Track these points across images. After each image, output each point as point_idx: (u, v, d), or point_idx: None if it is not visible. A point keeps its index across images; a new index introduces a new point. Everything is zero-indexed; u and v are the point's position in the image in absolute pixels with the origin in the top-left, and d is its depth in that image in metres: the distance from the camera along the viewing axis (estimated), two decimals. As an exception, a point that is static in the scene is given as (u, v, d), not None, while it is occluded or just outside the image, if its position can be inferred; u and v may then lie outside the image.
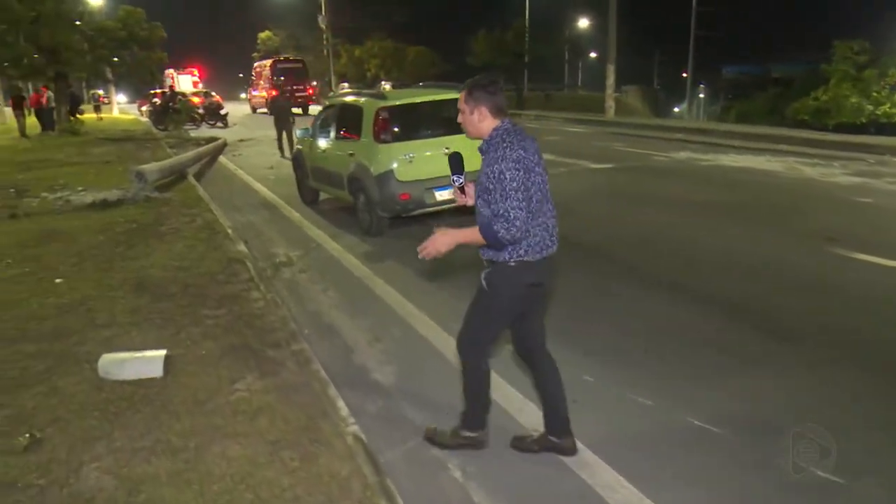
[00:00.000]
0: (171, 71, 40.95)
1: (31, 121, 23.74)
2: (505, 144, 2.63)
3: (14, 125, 23.70)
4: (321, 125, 8.49)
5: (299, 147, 9.37)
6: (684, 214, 7.83)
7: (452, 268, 5.96)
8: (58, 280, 5.29)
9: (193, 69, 45.11)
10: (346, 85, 41.15)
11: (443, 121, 7.38)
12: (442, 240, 2.77)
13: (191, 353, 3.88)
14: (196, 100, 28.71)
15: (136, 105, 44.19)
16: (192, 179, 11.28)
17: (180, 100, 26.05)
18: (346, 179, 7.51)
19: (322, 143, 8.26)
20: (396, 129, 6.93)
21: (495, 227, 2.58)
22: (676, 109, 46.30)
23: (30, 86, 29.14)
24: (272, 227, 7.93)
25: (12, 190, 10.09)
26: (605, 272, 5.70)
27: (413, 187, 6.87)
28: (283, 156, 14.74)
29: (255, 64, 43.04)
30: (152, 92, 33.73)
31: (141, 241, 6.61)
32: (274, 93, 18.25)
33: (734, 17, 43.88)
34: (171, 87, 28.81)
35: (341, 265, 6.25)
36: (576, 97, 45.29)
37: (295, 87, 32.47)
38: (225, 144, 17.69)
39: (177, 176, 11.19)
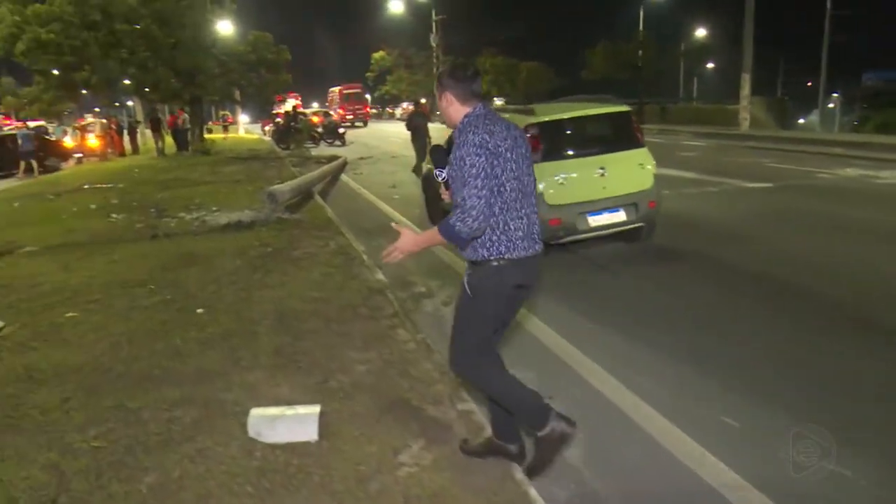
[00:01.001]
0: (283, 95, 43.25)
1: (168, 141, 25.32)
2: (469, 129, 2.45)
3: (153, 146, 25.38)
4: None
5: (430, 166, 8.94)
6: (879, 242, 6.61)
7: (609, 298, 5.18)
8: (199, 310, 5.03)
9: (296, 95, 48.78)
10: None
11: (597, 138, 6.67)
12: (406, 242, 2.57)
13: (345, 408, 3.37)
14: (316, 119, 29.66)
15: (259, 125, 46.58)
16: (319, 199, 11.19)
17: (301, 119, 26.91)
18: (485, 202, 6.94)
19: (457, 162, 7.75)
20: (546, 148, 6.26)
21: (451, 220, 2.38)
22: (801, 121, 42.64)
23: (166, 108, 31.31)
24: (405, 252, 7.49)
25: (153, 210, 10.38)
26: (804, 316, 4.71)
27: (564, 212, 6.17)
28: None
29: (329, 91, 55.44)
30: (275, 112, 35.41)
31: (277, 266, 6.34)
32: (411, 108, 18.24)
33: (872, 20, 40.01)
34: (296, 107, 29.87)
35: (487, 298, 5.64)
36: (694, 109, 42.90)
37: (356, 107, 45.99)
38: (346, 163, 17.81)
39: (304, 195, 11.14)
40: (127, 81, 21.96)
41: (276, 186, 9.38)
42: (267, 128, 36.91)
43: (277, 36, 24.12)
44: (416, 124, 14.42)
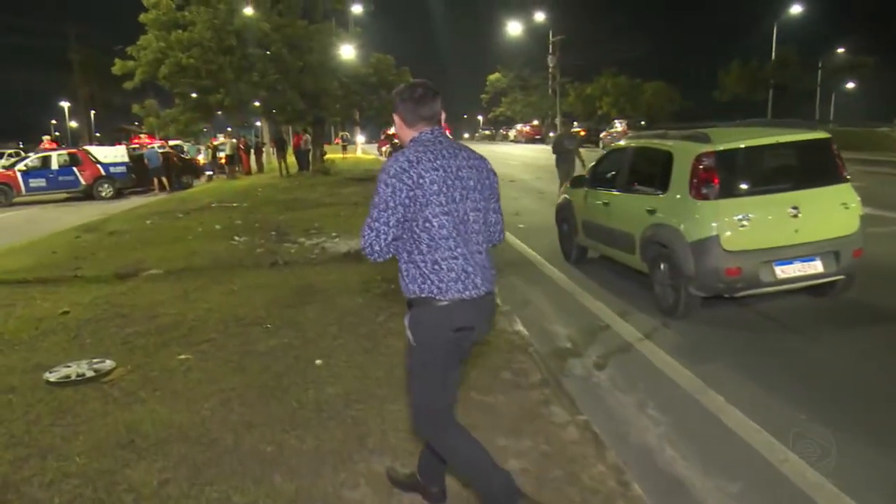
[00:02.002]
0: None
1: (290, 160, 26.06)
2: (397, 155, 2.31)
3: (276, 165, 26.21)
4: (602, 172, 7.07)
5: (566, 196, 8.04)
6: None
7: (814, 373, 3.99)
8: (318, 361, 4.43)
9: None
10: (574, 124, 40.15)
11: (789, 171, 5.55)
12: None
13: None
14: (432, 140, 29.55)
15: (376, 145, 47.62)
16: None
17: (418, 141, 26.85)
18: (639, 242, 5.94)
19: (603, 194, 6.81)
20: (724, 182, 5.19)
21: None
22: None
23: (290, 129, 32.49)
24: (540, 294, 6.62)
25: (274, 232, 10.20)
26: None
27: (746, 259, 5.06)
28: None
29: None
30: (391, 133, 35.90)
31: (401, 308, 5.68)
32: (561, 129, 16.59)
33: None
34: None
35: (650, 364, 4.63)
36: (843, 133, 39.07)
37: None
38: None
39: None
40: (257, 104, 22.76)
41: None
42: (384, 148, 37.46)
43: (396, 58, 24.30)
44: (565, 147, 12.37)
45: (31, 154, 22.18)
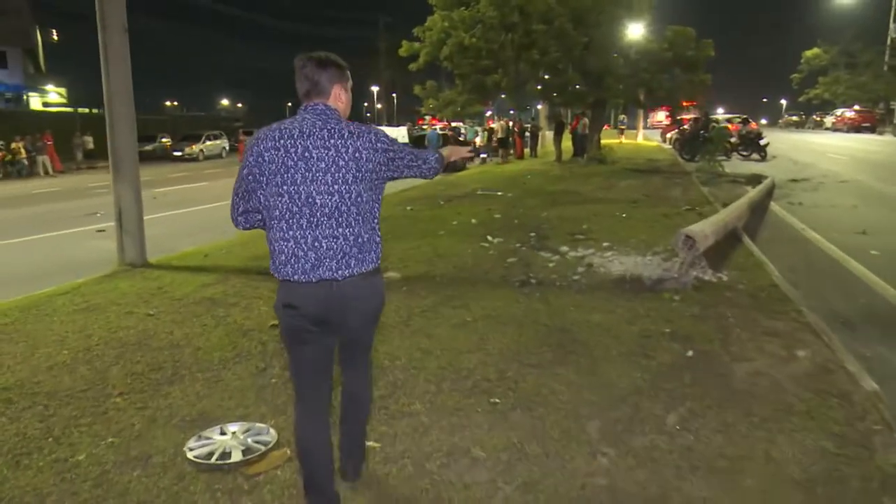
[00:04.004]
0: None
1: (565, 146, 24.41)
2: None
3: (551, 149, 24.79)
4: None
5: None
6: None
7: None
8: (581, 485, 2.59)
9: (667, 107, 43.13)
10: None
11: None
12: None
13: None
14: (729, 126, 25.33)
15: (659, 131, 43.47)
16: (748, 242, 7.88)
17: (714, 127, 22.99)
18: None
19: None
20: None
21: None
22: None
23: (569, 113, 30.78)
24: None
25: (533, 234, 8.57)
26: None
27: None
28: None
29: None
30: (679, 118, 31.93)
31: (709, 396, 3.52)
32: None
33: None
34: (706, 112, 26.04)
35: None
36: None
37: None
38: (773, 186, 13.69)
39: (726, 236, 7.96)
40: (538, 87, 21.44)
41: (695, 227, 6.47)
42: (668, 135, 33.64)
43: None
44: None
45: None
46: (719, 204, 11.23)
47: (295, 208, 2.18)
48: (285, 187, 2.17)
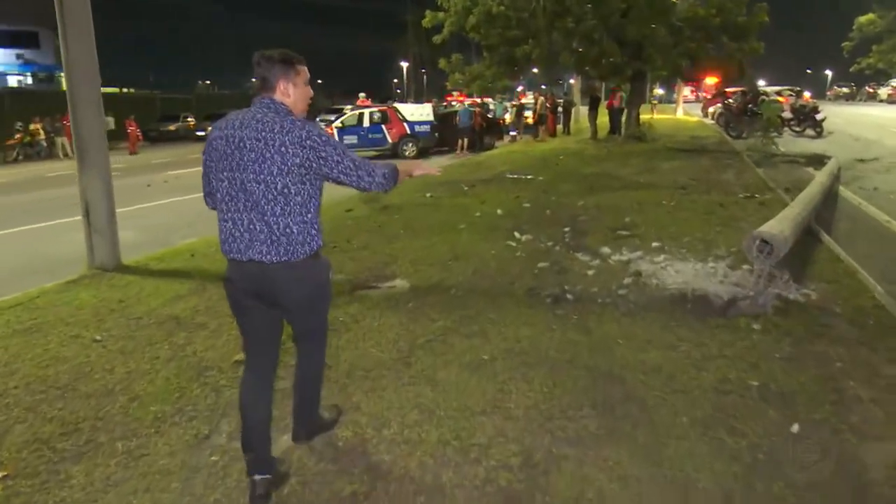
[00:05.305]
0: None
1: (601, 122, 22.86)
2: None
3: (585, 126, 23.25)
4: None
5: None
6: None
7: None
8: None
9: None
10: None
11: None
12: None
13: None
14: (781, 99, 23.42)
15: (700, 105, 41.20)
16: (832, 245, 6.53)
17: (763, 100, 21.16)
18: None
19: None
20: None
21: None
22: None
23: (603, 87, 29.01)
24: None
25: (567, 230, 7.36)
26: None
27: None
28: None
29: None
30: (725, 91, 29.88)
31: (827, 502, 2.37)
32: None
33: None
34: (754, 84, 24.14)
35: None
36: None
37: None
38: (839, 167, 12.13)
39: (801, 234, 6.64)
40: (571, 59, 19.87)
41: (771, 227, 5.17)
42: (711, 109, 31.60)
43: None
44: None
45: (346, 111, 22.83)
46: (781, 190, 9.84)
47: (233, 192, 2.34)
48: (226, 173, 2.34)
